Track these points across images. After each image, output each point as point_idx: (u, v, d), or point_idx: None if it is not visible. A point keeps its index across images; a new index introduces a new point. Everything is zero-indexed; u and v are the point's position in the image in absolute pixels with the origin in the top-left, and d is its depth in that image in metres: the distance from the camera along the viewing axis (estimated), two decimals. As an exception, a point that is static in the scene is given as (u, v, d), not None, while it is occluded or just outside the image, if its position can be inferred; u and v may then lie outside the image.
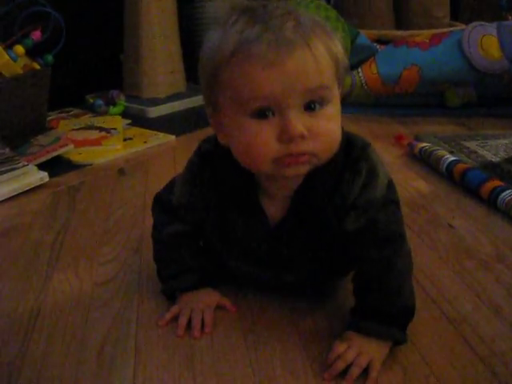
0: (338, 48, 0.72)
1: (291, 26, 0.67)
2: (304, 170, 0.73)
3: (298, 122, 0.68)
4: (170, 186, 0.90)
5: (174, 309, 0.87)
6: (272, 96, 0.68)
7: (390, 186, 0.81)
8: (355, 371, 0.73)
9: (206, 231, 0.89)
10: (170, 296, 0.91)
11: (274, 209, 0.81)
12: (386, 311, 0.77)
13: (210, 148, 0.83)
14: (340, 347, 0.76)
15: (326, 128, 0.71)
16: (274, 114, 0.69)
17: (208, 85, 0.73)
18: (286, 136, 0.69)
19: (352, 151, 0.78)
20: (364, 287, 0.80)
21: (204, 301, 0.88)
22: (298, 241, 0.83)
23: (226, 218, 0.84)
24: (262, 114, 0.69)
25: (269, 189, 0.79)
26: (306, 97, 0.69)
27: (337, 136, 0.74)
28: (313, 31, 0.69)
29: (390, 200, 0.80)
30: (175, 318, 0.86)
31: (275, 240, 0.83)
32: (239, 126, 0.72)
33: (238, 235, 0.85)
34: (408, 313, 0.79)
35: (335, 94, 0.73)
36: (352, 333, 0.78)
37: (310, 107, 0.70)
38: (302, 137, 0.69)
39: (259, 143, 0.70)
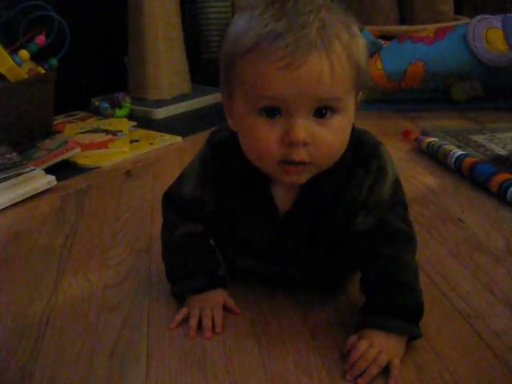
0: (361, 53, 0.71)
1: (315, 28, 0.66)
2: (303, 178, 0.75)
3: (303, 127, 0.69)
4: (179, 182, 0.91)
5: (184, 310, 0.87)
6: (281, 98, 0.68)
7: (398, 185, 0.81)
8: (374, 370, 0.72)
9: (215, 228, 0.89)
10: (180, 297, 0.90)
11: (283, 199, 0.82)
12: (401, 306, 0.77)
13: (222, 137, 0.84)
14: (362, 346, 0.74)
15: (331, 139, 0.71)
16: (281, 115, 0.70)
17: (226, 70, 0.74)
18: (288, 139, 0.69)
19: (363, 149, 0.79)
20: (376, 284, 0.79)
21: (212, 300, 0.87)
22: (303, 234, 0.83)
23: (236, 208, 0.85)
24: (269, 112, 0.70)
25: (279, 179, 0.79)
26: (316, 103, 0.69)
27: (341, 146, 0.74)
28: (337, 35, 0.68)
29: (398, 200, 0.81)
30: (186, 320, 0.85)
31: (281, 231, 0.83)
32: (247, 121, 0.73)
33: (245, 226, 0.85)
34: (421, 308, 0.78)
35: (348, 105, 0.72)
36: (370, 330, 0.76)
37: (319, 113, 0.70)
38: (304, 144, 0.70)
39: (262, 142, 0.71)
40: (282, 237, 0.84)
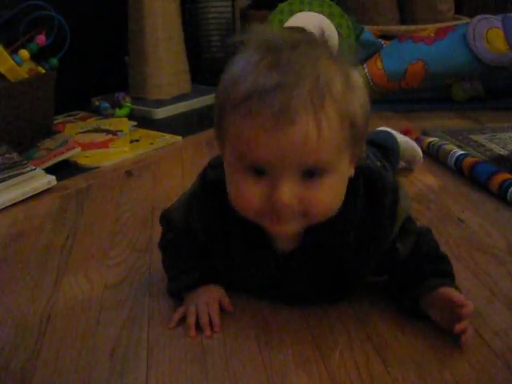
0: (357, 107, 0.68)
1: (307, 87, 0.63)
2: (294, 228, 0.73)
3: (289, 191, 0.67)
4: (173, 208, 0.91)
5: (181, 309, 0.87)
6: (266, 161, 0.67)
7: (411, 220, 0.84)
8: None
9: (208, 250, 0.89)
10: (177, 296, 0.90)
11: (282, 241, 0.81)
12: (450, 273, 0.83)
13: (216, 176, 0.81)
14: (459, 295, 0.77)
15: (321, 199, 0.70)
16: (267, 174, 0.68)
17: (217, 117, 0.72)
18: (271, 203, 0.68)
19: (384, 195, 0.78)
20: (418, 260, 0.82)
21: (207, 296, 0.87)
22: (306, 274, 0.82)
23: (231, 249, 0.84)
24: (255, 171, 0.69)
25: (267, 229, 0.78)
26: (303, 167, 0.67)
27: (333, 205, 0.72)
28: (330, 93, 0.65)
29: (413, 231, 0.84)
30: (185, 319, 0.85)
31: (282, 273, 0.83)
32: (234, 174, 0.72)
33: (242, 267, 0.85)
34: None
35: (340, 164, 0.70)
36: (449, 289, 0.79)
37: (308, 174, 0.68)
38: (290, 207, 0.68)
39: (246, 199, 0.71)
40: (283, 278, 0.83)
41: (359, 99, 0.69)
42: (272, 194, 0.68)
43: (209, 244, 0.87)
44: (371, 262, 0.81)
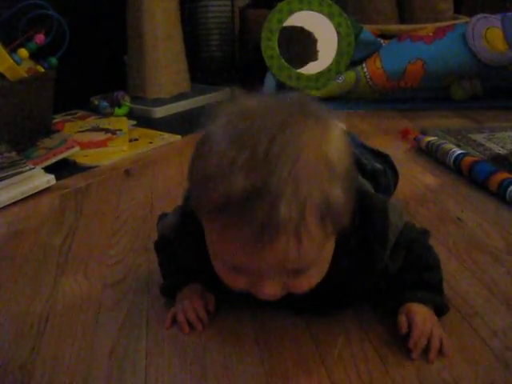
0: (339, 196, 0.62)
1: (286, 202, 0.58)
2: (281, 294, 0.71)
3: (271, 286, 0.67)
4: (168, 216, 0.89)
5: (173, 309, 0.87)
6: (246, 268, 0.66)
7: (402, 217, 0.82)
8: (437, 342, 0.75)
9: None
10: (170, 296, 0.90)
11: None
12: (433, 282, 0.81)
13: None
14: (420, 323, 0.76)
15: (307, 285, 0.69)
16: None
17: (195, 203, 0.66)
18: (254, 290, 0.68)
19: (373, 218, 0.76)
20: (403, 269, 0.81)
21: (191, 292, 0.87)
22: (301, 298, 0.76)
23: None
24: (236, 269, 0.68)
25: None
26: (284, 271, 0.66)
27: (320, 279, 0.71)
28: (310, 199, 0.59)
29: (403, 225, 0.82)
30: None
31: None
32: (214, 261, 0.71)
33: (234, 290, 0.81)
34: (442, 284, 0.83)
35: (323, 252, 0.68)
36: (412, 304, 0.78)
37: (290, 272, 0.67)
38: (274, 296, 0.68)
39: (227, 281, 0.70)
40: (278, 302, 0.78)
41: (343, 185, 0.63)
42: (255, 286, 0.68)
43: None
44: (366, 283, 0.81)
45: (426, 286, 0.81)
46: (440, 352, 0.75)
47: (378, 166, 1.05)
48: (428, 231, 0.87)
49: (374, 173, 1.02)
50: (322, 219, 0.61)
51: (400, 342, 0.77)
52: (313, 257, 0.66)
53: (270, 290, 0.67)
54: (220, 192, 0.60)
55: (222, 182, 0.59)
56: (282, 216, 0.58)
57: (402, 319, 0.77)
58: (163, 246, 0.91)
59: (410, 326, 0.76)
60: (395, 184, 1.17)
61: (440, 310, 0.81)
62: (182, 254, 0.84)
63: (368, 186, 0.91)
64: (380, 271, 0.78)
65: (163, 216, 0.93)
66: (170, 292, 0.90)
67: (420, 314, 0.77)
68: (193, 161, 0.67)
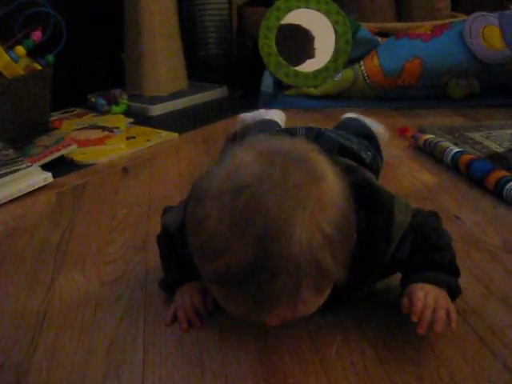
0: (337, 262, 0.64)
1: (282, 281, 0.60)
2: None
3: (274, 321, 0.67)
4: (173, 209, 0.89)
5: (173, 305, 0.87)
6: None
7: (409, 210, 0.82)
8: (442, 313, 0.74)
9: None
10: (169, 290, 0.91)
11: None
12: (445, 263, 0.81)
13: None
14: (421, 295, 0.75)
15: (308, 313, 0.70)
16: None
17: (196, 262, 0.69)
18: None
19: (378, 216, 0.76)
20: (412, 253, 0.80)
21: (190, 288, 0.87)
22: None
23: None
24: None
25: None
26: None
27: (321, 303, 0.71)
28: (304, 276, 0.61)
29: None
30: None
31: None
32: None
33: None
34: (456, 267, 0.82)
35: (321, 298, 0.70)
36: (417, 284, 0.77)
37: None
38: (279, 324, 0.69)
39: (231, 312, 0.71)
40: None
41: (341, 247, 0.65)
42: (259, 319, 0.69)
43: None
44: (370, 277, 0.81)
45: (437, 266, 0.80)
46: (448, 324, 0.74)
47: (370, 154, 1.06)
48: (436, 213, 0.86)
49: (371, 164, 1.03)
50: (317, 288, 0.65)
51: (397, 340, 0.78)
52: (311, 310, 0.69)
53: (271, 322, 0.68)
54: (217, 268, 0.63)
55: (218, 259, 0.62)
56: (277, 294, 0.61)
57: (405, 300, 0.76)
58: (165, 240, 0.90)
59: (411, 302, 0.75)
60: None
61: (449, 288, 0.79)
62: (183, 250, 0.83)
63: (370, 175, 0.90)
64: (385, 263, 0.78)
65: (168, 209, 0.92)
66: (169, 287, 0.90)
67: (421, 289, 0.76)
68: (189, 217, 0.68)
